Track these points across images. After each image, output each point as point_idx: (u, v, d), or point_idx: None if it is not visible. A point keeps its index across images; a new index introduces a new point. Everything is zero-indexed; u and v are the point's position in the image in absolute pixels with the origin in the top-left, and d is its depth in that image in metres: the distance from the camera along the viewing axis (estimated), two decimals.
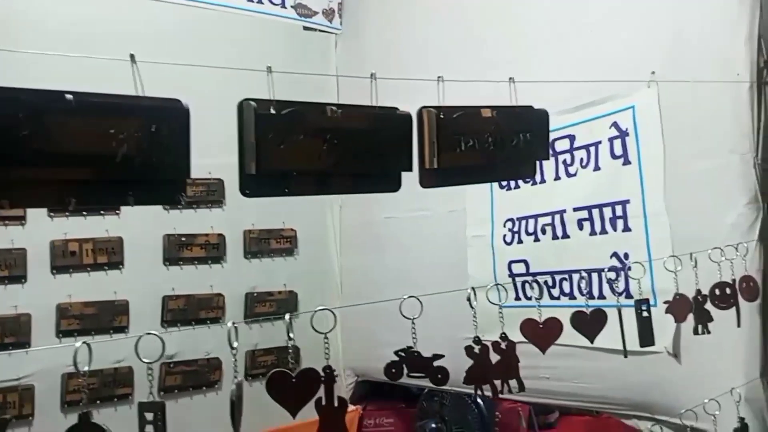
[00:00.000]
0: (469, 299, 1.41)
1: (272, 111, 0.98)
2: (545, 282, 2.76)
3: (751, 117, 2.17)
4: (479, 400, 3.47)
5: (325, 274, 3.76)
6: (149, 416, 1.11)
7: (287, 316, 1.18)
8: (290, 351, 1.16)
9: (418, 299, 1.38)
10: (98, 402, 2.94)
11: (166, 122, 0.90)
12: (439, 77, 1.27)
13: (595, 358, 2.51)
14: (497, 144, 1.32)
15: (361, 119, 1.11)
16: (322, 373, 1.16)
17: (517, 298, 2.83)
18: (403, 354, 1.36)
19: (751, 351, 2.09)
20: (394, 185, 1.21)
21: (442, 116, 1.25)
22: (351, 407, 3.74)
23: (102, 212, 2.99)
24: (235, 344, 1.12)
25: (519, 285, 2.85)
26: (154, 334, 1.15)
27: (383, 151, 1.16)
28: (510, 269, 2.93)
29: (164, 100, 0.91)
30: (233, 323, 1.11)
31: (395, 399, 3.84)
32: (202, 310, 3.17)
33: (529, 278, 2.80)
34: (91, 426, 1.07)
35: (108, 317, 2.98)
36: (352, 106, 1.12)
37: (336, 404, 1.16)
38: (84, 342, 1.09)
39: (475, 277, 2.99)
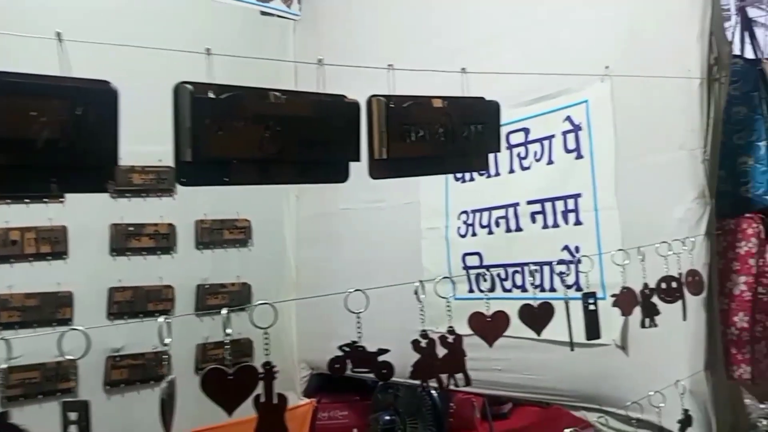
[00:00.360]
0: (416, 292, 1.39)
1: (211, 95, 0.94)
2: (498, 275, 2.77)
3: (700, 113, 2.20)
4: (433, 392, 3.48)
5: (281, 266, 3.70)
6: (73, 416, 1.05)
7: (224, 311, 1.14)
8: (227, 345, 1.12)
9: (364, 293, 1.35)
10: (40, 396, 2.84)
11: (93, 105, 0.84)
12: (389, 65, 1.24)
13: (545, 350, 2.53)
14: (448, 135, 1.30)
15: (306, 106, 1.07)
16: (261, 370, 1.12)
17: (471, 291, 2.84)
18: (347, 348, 1.33)
19: (696, 344, 2.13)
20: (341, 176, 1.17)
21: (391, 105, 1.22)
22: (305, 400, 3.71)
23: (45, 200, 2.88)
24: (167, 340, 1.07)
25: (473, 277, 2.86)
26: (78, 329, 1.08)
27: (330, 139, 1.12)
28: (464, 262, 2.93)
29: (91, 81, 0.86)
30: (165, 318, 1.06)
31: (350, 392, 3.82)
32: (151, 302, 3.08)
33: (482, 270, 2.81)
34: (8, 427, 1.01)
35: (51, 309, 2.88)
36: (297, 92, 1.08)
37: (275, 401, 1.12)
38: (1, 338, 1.02)
39: (430, 270, 2.98)
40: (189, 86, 0.93)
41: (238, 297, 3.41)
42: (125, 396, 3.05)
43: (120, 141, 0.89)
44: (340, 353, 1.38)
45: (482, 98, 1.43)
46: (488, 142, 1.39)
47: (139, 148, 2.96)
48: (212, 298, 3.28)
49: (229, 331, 1.13)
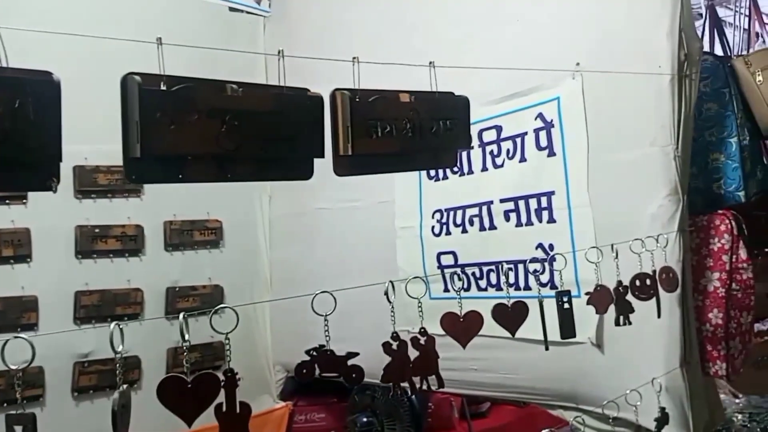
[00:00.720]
0: (386, 293, 1.35)
1: (162, 87, 0.89)
2: (473, 273, 2.74)
3: (671, 110, 2.19)
4: (411, 393, 3.45)
5: (254, 268, 3.64)
6: (18, 430, 0.99)
7: (181, 315, 1.09)
8: (184, 351, 1.06)
9: (332, 294, 1.30)
10: (5, 405, 2.74)
11: (33, 97, 0.79)
12: (354, 58, 1.20)
13: (521, 349, 2.50)
14: (416, 131, 1.26)
15: (266, 100, 1.03)
16: (222, 377, 1.07)
17: (446, 290, 2.81)
18: (314, 353, 1.29)
19: (671, 341, 2.12)
20: (305, 173, 1.13)
21: (356, 99, 1.18)
22: (281, 403, 3.65)
23: (7, 201, 2.79)
24: (119, 348, 1.02)
25: (448, 277, 2.83)
26: (22, 338, 1.02)
27: (292, 135, 1.07)
28: (439, 261, 2.90)
29: (31, 71, 0.80)
30: (117, 324, 1.00)
31: (327, 394, 3.77)
32: (119, 306, 3.00)
33: (457, 270, 2.78)
34: None
35: (15, 314, 2.78)
36: (255, 84, 1.03)
37: (238, 410, 1.07)
38: None
39: (405, 269, 2.95)
40: (137, 77, 0.87)
41: (209, 299, 3.34)
42: (94, 402, 2.96)
43: (62, 137, 0.83)
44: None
45: (451, 93, 1.39)
46: (458, 137, 1.35)
47: (103, 147, 2.89)
48: (183, 301, 3.21)
49: (187, 337, 1.07)
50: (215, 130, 0.94)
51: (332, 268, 3.21)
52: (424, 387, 1.39)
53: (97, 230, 2.98)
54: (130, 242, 3.07)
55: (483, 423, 4.17)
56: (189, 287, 3.29)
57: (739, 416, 3.97)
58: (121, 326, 1.03)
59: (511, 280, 2.57)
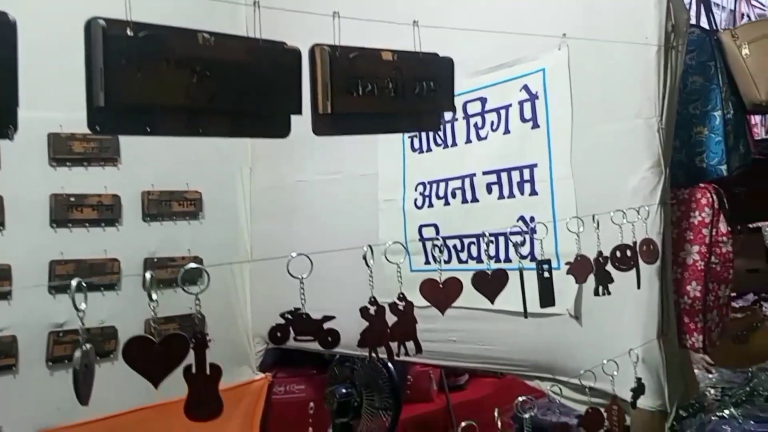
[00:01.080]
0: (365, 257, 1.33)
1: (128, 32, 0.84)
2: (454, 246, 2.73)
3: (656, 82, 2.17)
4: (389, 365, 3.45)
5: (234, 240, 3.60)
6: None
7: (148, 274, 1.05)
8: (154, 311, 1.03)
9: (308, 257, 1.28)
10: None
11: None
12: (334, 13, 1.16)
13: (500, 320, 2.51)
14: (398, 91, 1.22)
15: (239, 51, 0.98)
16: (192, 339, 1.04)
17: (427, 263, 2.79)
18: (290, 316, 1.26)
19: (649, 313, 2.13)
20: (282, 130, 1.09)
21: (337, 55, 1.14)
22: (260, 375, 3.65)
23: None
24: (81, 306, 0.99)
25: (429, 249, 2.81)
26: None
27: (268, 89, 1.03)
28: (420, 233, 2.89)
29: None
30: (80, 281, 0.97)
31: (306, 366, 3.77)
32: (95, 275, 2.95)
33: (438, 242, 2.76)
34: None
35: None
36: (229, 35, 0.99)
37: (208, 372, 1.05)
38: None
39: (387, 242, 2.92)
40: (101, 21, 0.83)
41: (189, 271, 3.29)
42: (69, 372, 2.91)
43: (19, 82, 0.78)
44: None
45: (435, 54, 1.36)
46: (441, 100, 1.32)
47: (79, 114, 2.81)
48: (161, 272, 3.16)
49: (155, 296, 1.05)
50: (186, 81, 0.90)
51: (313, 241, 3.17)
52: (402, 353, 1.37)
53: (72, 199, 2.92)
54: (106, 212, 3.01)
55: (461, 395, 4.22)
56: (167, 258, 3.24)
57: (712, 391, 4.02)
58: (83, 283, 0.99)
59: (492, 252, 2.56)
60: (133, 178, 3.12)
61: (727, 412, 3.58)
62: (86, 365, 0.98)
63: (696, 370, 3.46)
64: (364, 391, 3.34)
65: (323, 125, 1.15)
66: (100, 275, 2.94)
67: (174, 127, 0.93)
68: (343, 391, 3.30)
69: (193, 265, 1.20)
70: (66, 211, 2.90)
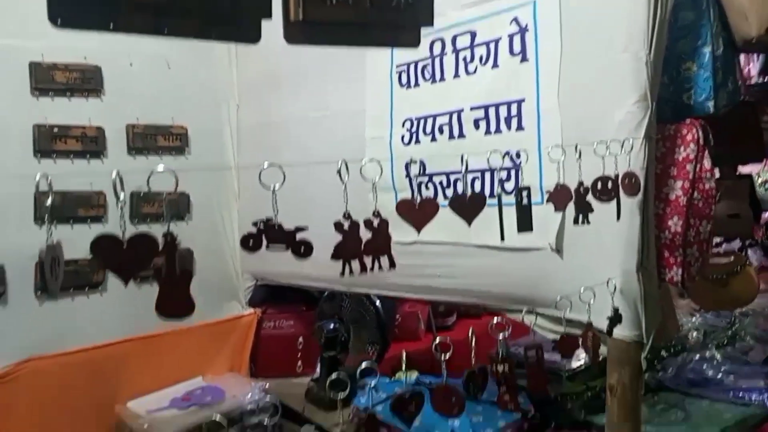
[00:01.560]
0: (339, 171, 1.33)
1: None
2: (440, 182, 2.73)
3: (647, 15, 2.13)
4: (377, 302, 3.50)
5: (220, 176, 3.60)
6: None
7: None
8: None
9: (281, 168, 1.28)
10: None
11: None
12: None
13: (484, 256, 2.54)
14: (374, 1, 1.20)
15: None
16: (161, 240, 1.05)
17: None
18: (262, 225, 1.27)
19: (629, 247, 2.14)
20: (252, 35, 1.07)
21: None
22: (249, 310, 3.70)
23: None
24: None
25: (415, 187, 2.81)
26: None
27: None
28: (407, 170, 2.88)
29: None
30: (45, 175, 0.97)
31: (295, 302, 3.82)
32: (81, 207, 2.95)
33: (424, 179, 2.76)
34: None
35: None
36: None
37: (178, 272, 1.06)
38: None
39: (374, 179, 2.92)
40: None
41: (176, 206, 3.30)
42: (59, 302, 2.96)
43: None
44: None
45: None
46: (420, 14, 1.28)
47: (59, 43, 2.77)
48: (148, 206, 3.16)
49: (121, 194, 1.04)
50: None
51: (299, 178, 3.16)
52: (377, 267, 1.39)
53: (56, 129, 2.89)
54: (90, 144, 2.99)
55: (448, 335, 4.28)
56: (154, 193, 3.22)
57: (695, 334, 4.10)
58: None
59: (477, 188, 2.56)
60: (116, 111, 3.09)
61: (708, 353, 3.66)
62: (53, 258, 0.98)
63: (679, 315, 3.54)
64: (352, 326, 3.40)
65: (295, 34, 1.12)
66: (86, 207, 2.94)
67: (138, 25, 0.91)
68: (331, 326, 3.35)
69: (161, 167, 1.19)
70: (50, 142, 2.88)
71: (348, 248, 1.32)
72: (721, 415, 2.96)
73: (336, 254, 1.33)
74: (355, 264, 1.34)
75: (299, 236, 1.29)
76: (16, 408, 2.77)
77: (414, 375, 3.02)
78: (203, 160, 3.47)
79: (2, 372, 2.69)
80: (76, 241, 2.90)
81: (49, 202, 1.02)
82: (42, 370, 2.82)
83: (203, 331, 3.39)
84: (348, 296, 3.49)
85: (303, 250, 1.29)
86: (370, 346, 3.35)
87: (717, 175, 2.62)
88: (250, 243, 1.26)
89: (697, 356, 3.59)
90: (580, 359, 3.07)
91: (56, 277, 1.03)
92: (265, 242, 1.27)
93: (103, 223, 3.01)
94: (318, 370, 3.45)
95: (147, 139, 3.18)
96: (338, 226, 1.32)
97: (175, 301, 1.05)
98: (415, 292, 2.95)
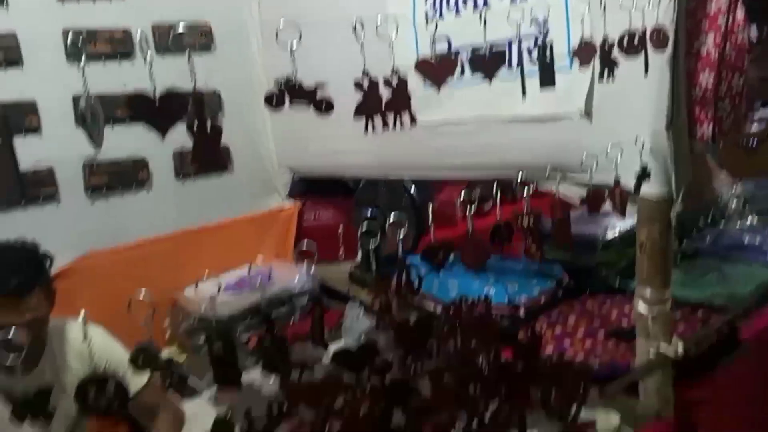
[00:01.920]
0: (354, 28, 1.35)
1: None
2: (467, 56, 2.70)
3: None
4: (411, 188, 3.57)
5: (249, 73, 3.61)
6: None
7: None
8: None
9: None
10: (23, 203, 2.91)
11: None
12: None
13: (513, 130, 2.56)
14: None
15: None
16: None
17: None
18: (282, 85, 1.31)
19: (659, 104, 2.10)
20: None
21: None
22: (289, 202, 3.82)
23: None
24: None
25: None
26: None
27: None
28: (432, 49, 2.84)
29: None
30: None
31: (333, 193, 3.93)
32: (118, 108, 3.03)
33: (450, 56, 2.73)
34: None
35: (18, 118, 2.85)
36: None
37: (209, 131, 1.12)
38: None
39: (396, 59, 2.90)
40: None
41: (209, 104, 3.36)
42: (109, 200, 3.12)
43: None
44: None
45: None
46: None
47: None
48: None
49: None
50: None
51: (326, 62, 3.16)
52: (398, 124, 1.43)
53: (84, 34, 2.93)
54: (120, 46, 3.03)
55: (484, 221, 4.36)
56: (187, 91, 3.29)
57: (735, 202, 4.06)
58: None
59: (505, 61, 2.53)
60: (140, 13, 3.11)
61: (747, 221, 3.64)
62: (92, 113, 1.06)
63: (719, 181, 3.50)
64: (388, 212, 3.49)
65: None
66: (122, 108, 3.01)
67: None
68: (368, 212, 3.46)
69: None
70: (81, 46, 2.92)
71: (369, 106, 1.36)
72: (757, 275, 2.99)
73: (358, 111, 1.37)
74: (378, 122, 1.38)
75: (320, 94, 1.33)
76: (79, 301, 2.98)
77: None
78: (230, 56, 3.48)
79: (65, 267, 2.88)
80: (117, 142, 3.04)
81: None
82: (100, 264, 3.01)
83: (248, 223, 3.54)
84: (383, 183, 3.57)
85: (324, 106, 1.33)
86: (406, 231, 3.45)
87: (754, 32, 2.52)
88: (273, 101, 1.31)
89: (737, 224, 3.58)
90: (614, 228, 3.09)
91: (99, 127, 1.11)
92: (288, 100, 1.31)
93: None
94: (359, 255, 3.59)
95: (174, 38, 3.20)
96: (357, 84, 1.36)
97: (208, 155, 1.12)
98: (450, 170, 3.00)
